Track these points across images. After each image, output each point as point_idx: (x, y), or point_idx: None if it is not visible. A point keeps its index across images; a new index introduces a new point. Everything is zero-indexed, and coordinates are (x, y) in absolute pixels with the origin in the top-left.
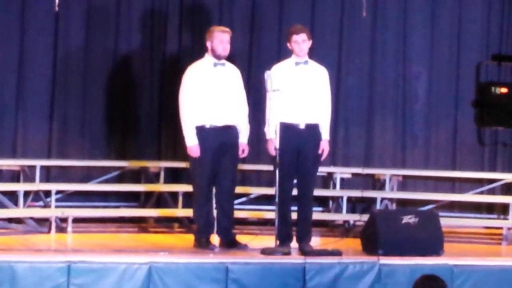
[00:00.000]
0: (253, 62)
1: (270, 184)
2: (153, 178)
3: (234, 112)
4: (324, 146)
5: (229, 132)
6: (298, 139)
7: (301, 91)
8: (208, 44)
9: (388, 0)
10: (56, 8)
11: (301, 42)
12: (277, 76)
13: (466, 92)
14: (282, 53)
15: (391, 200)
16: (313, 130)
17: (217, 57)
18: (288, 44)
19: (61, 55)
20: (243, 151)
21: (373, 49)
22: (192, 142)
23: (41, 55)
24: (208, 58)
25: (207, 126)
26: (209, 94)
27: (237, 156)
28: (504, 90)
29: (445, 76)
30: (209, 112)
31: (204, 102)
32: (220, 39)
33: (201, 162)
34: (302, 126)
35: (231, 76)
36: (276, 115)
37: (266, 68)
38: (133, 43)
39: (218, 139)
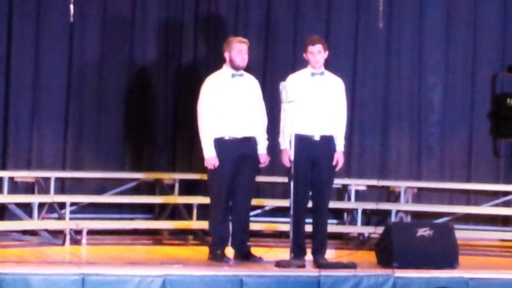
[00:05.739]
0: (267, 73)
1: (285, 196)
2: (168, 190)
3: (253, 123)
4: (339, 158)
5: (248, 143)
6: (312, 151)
7: (317, 102)
8: (226, 54)
9: (404, 11)
10: (71, 19)
11: (316, 53)
12: (293, 87)
13: (482, 104)
14: (297, 64)
15: (406, 212)
16: (328, 141)
17: (235, 67)
18: (304, 55)
19: (76, 66)
20: (262, 161)
21: (388, 60)
22: (210, 154)
23: (56, 67)
24: (226, 69)
25: (226, 137)
26: (227, 105)
27: (255, 168)
28: None
29: (460, 87)
30: (228, 123)
31: (223, 113)
32: (238, 49)
33: (220, 174)
34: (317, 138)
35: (250, 87)
36: (291, 127)
37: (280, 79)
38: (148, 53)
39: (237, 151)
